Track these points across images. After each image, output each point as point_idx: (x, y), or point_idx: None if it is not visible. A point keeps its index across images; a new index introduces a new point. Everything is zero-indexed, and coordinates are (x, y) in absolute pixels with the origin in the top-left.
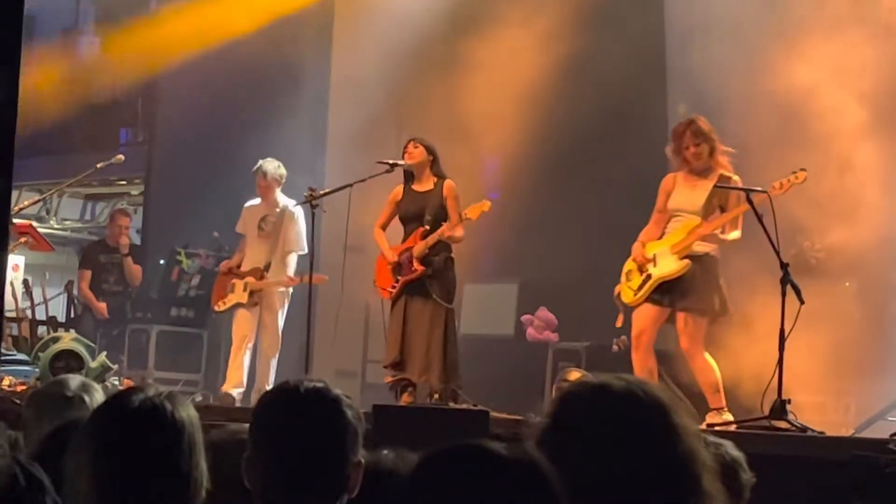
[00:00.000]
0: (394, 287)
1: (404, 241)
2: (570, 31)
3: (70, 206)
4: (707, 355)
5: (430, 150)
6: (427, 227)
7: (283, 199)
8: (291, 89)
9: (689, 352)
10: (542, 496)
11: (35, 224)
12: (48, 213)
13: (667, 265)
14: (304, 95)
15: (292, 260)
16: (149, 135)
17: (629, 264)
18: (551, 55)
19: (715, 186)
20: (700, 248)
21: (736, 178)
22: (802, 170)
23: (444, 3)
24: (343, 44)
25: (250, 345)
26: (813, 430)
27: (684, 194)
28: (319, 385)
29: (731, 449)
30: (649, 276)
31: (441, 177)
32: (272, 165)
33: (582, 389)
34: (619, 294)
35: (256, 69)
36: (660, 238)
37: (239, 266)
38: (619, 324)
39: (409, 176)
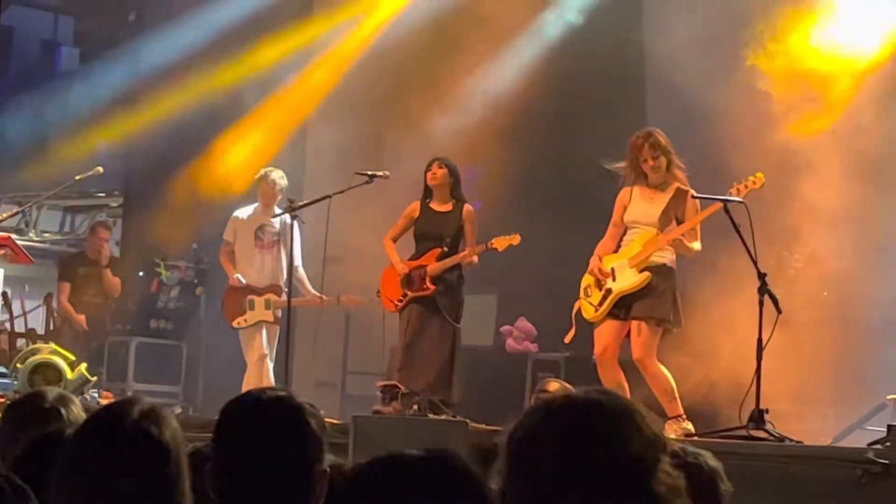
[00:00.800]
0: (400, 300)
1: (417, 257)
2: (546, 44)
3: (49, 218)
4: (660, 364)
5: (452, 172)
6: (445, 249)
7: (277, 210)
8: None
9: (642, 361)
10: (466, 494)
11: (14, 236)
12: (27, 225)
13: (626, 279)
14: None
15: (304, 275)
16: (127, 147)
17: (587, 279)
18: (529, 65)
19: (692, 196)
20: (658, 258)
21: (692, 191)
22: (760, 173)
23: (422, 11)
24: (322, 53)
25: (270, 362)
26: (791, 440)
27: (641, 207)
28: (282, 394)
29: (709, 459)
30: (609, 291)
31: (461, 200)
32: (278, 174)
33: (548, 402)
34: (578, 310)
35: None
36: (616, 251)
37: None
38: (568, 339)
39: (428, 193)
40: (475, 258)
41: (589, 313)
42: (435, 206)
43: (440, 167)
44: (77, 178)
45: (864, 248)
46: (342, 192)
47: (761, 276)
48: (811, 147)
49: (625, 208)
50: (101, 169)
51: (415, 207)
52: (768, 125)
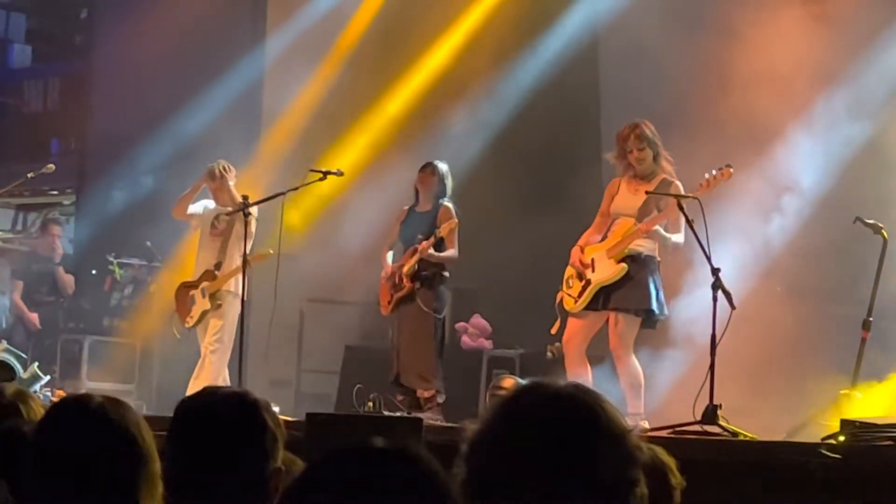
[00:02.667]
0: (389, 303)
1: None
2: (504, 43)
3: (1, 215)
4: (635, 359)
5: (441, 178)
6: (416, 247)
7: (237, 196)
8: (223, 98)
9: (617, 352)
10: (427, 489)
11: None
12: None
13: (604, 270)
14: (236, 105)
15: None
16: (80, 144)
17: (569, 270)
18: (487, 62)
19: (646, 192)
20: (637, 247)
21: (678, 183)
22: (728, 166)
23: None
24: (275, 47)
25: (213, 355)
26: (745, 435)
27: (625, 198)
28: (238, 391)
29: (661, 454)
30: (588, 283)
31: (441, 199)
32: (218, 166)
33: (517, 393)
34: (560, 301)
35: (187, 77)
36: (601, 241)
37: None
38: (554, 330)
39: (417, 196)
40: (429, 251)
41: (569, 304)
42: (418, 207)
43: (432, 174)
44: (29, 175)
45: (816, 242)
46: (296, 189)
47: (715, 272)
48: (763, 142)
49: (612, 198)
50: (52, 166)
51: (403, 212)
52: (716, 125)
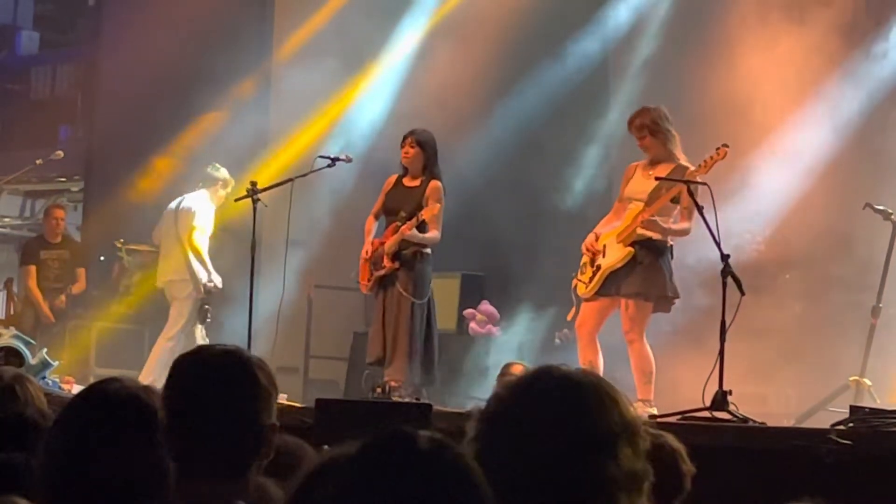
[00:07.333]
0: (369, 281)
1: (380, 234)
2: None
3: (9, 202)
4: (647, 345)
5: (426, 148)
6: (398, 224)
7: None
8: (232, 85)
9: (629, 336)
10: (465, 487)
11: None
12: None
13: (613, 255)
14: (245, 91)
15: None
16: (88, 131)
17: (584, 257)
18: (501, 49)
19: (657, 178)
20: (646, 232)
21: (691, 167)
22: (725, 145)
23: None
24: (284, 26)
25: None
26: (754, 421)
27: (638, 182)
28: (231, 348)
29: (671, 441)
30: (599, 268)
31: (430, 175)
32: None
33: (521, 378)
34: (575, 287)
35: (196, 64)
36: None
37: None
38: (570, 317)
39: (404, 168)
40: (408, 231)
41: (581, 290)
42: (406, 181)
43: (412, 146)
44: (38, 161)
45: (826, 231)
46: (304, 175)
47: (724, 258)
48: (768, 137)
49: (627, 183)
50: (61, 153)
51: (390, 181)
52: (725, 118)
